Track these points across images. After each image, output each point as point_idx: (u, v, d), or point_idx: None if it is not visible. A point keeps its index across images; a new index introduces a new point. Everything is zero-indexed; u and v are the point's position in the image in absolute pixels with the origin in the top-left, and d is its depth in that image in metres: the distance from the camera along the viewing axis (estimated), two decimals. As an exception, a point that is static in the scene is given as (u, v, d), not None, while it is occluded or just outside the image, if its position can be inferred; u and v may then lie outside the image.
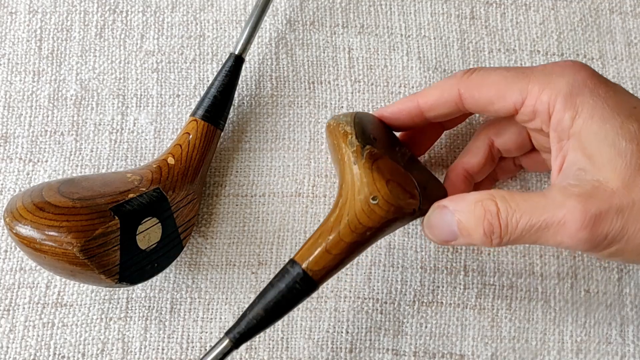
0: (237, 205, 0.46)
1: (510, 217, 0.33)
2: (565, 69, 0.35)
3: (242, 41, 0.45)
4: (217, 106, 0.44)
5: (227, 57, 0.45)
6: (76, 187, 0.38)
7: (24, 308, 0.44)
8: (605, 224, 0.31)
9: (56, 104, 0.48)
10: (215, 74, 0.45)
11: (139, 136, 0.48)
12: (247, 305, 0.37)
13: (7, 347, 0.44)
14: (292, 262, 0.36)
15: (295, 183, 0.47)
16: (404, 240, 0.46)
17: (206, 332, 0.45)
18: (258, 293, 0.37)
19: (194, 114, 0.44)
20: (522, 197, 0.33)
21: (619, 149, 0.32)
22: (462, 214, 0.34)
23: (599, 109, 0.33)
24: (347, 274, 0.45)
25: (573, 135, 0.34)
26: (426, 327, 0.44)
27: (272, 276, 0.43)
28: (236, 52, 0.45)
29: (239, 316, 0.37)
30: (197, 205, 0.44)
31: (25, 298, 0.44)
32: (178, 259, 0.44)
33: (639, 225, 0.31)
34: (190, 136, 0.43)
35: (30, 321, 0.44)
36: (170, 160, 0.42)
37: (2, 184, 0.47)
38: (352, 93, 0.48)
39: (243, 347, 0.43)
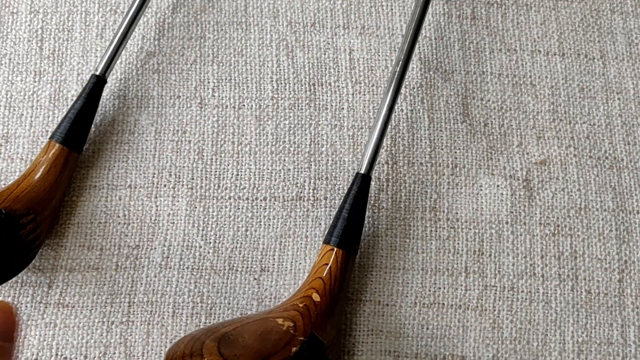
0: (238, 209, 0.46)
1: None
2: None
3: (366, 159, 0.43)
4: (351, 230, 0.42)
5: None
6: (235, 346, 0.36)
7: (26, 306, 0.44)
8: None
9: (57, 104, 0.48)
10: (343, 196, 0.44)
11: (140, 137, 0.48)
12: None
13: (10, 347, 0.44)
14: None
15: (296, 187, 0.47)
16: (405, 241, 0.46)
17: (208, 334, 0.45)
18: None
19: (327, 241, 0.42)
20: None
21: None
22: None
23: None
24: (348, 276, 0.45)
25: None
26: (427, 328, 0.44)
27: (274, 283, 0.43)
28: (362, 172, 0.43)
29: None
30: (341, 340, 0.42)
31: (27, 297, 0.44)
32: (180, 262, 0.44)
33: None
34: (330, 267, 0.41)
35: (32, 320, 0.44)
36: (315, 297, 0.40)
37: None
38: (353, 95, 0.48)
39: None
